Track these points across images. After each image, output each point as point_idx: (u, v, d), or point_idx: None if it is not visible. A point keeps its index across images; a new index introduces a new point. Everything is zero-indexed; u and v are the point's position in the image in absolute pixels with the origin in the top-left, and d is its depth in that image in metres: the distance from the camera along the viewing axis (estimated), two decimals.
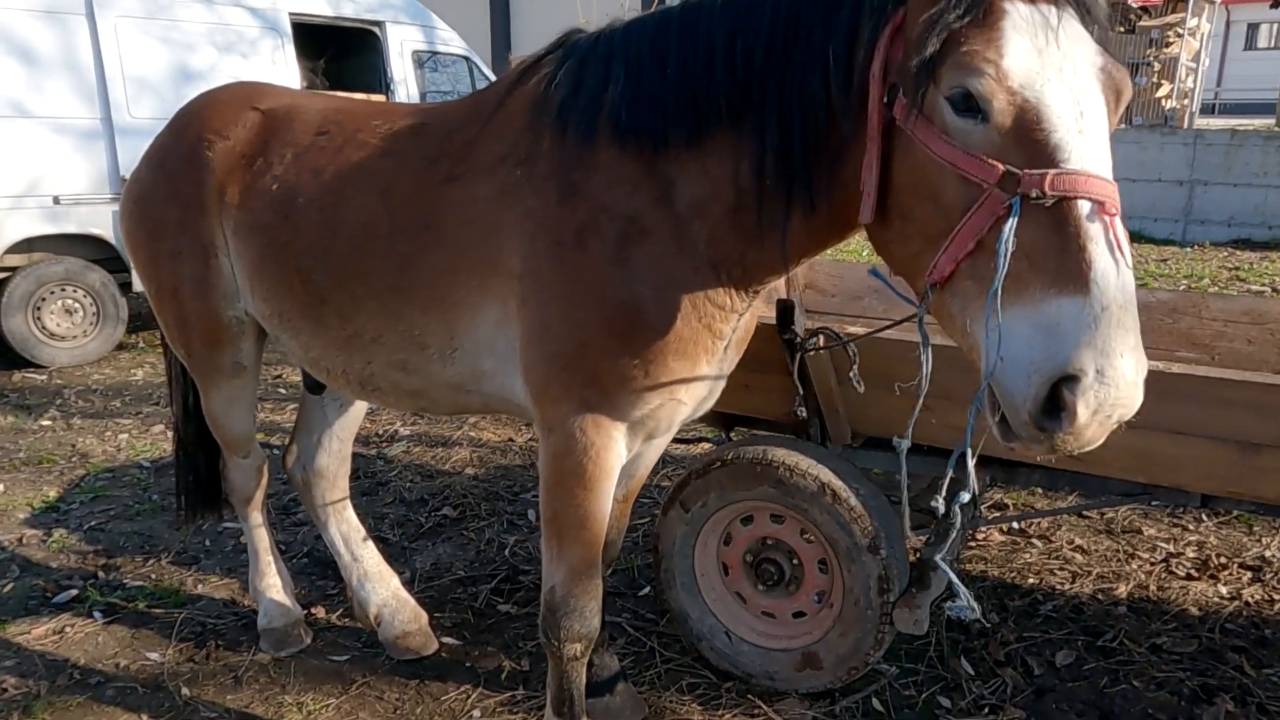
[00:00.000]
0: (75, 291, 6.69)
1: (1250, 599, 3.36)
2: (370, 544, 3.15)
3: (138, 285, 6.83)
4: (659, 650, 3.03)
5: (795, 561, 2.73)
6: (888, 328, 2.54)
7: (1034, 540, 3.80)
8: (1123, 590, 3.42)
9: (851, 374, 2.49)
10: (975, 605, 1.72)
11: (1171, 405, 2.34)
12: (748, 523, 2.78)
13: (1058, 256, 1.37)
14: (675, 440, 3.71)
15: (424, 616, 3.06)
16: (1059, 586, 3.45)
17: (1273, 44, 32.36)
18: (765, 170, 1.80)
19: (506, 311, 2.04)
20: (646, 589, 3.43)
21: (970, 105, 1.44)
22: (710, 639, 2.85)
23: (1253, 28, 32.41)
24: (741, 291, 1.97)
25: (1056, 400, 1.36)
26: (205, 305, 2.53)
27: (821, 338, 2.53)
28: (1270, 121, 18.54)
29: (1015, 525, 3.88)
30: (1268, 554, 3.68)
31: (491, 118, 2.09)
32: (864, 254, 9.15)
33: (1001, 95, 1.41)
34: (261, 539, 3.09)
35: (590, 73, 1.97)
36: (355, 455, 4.43)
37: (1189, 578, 3.51)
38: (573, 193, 1.93)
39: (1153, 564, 3.62)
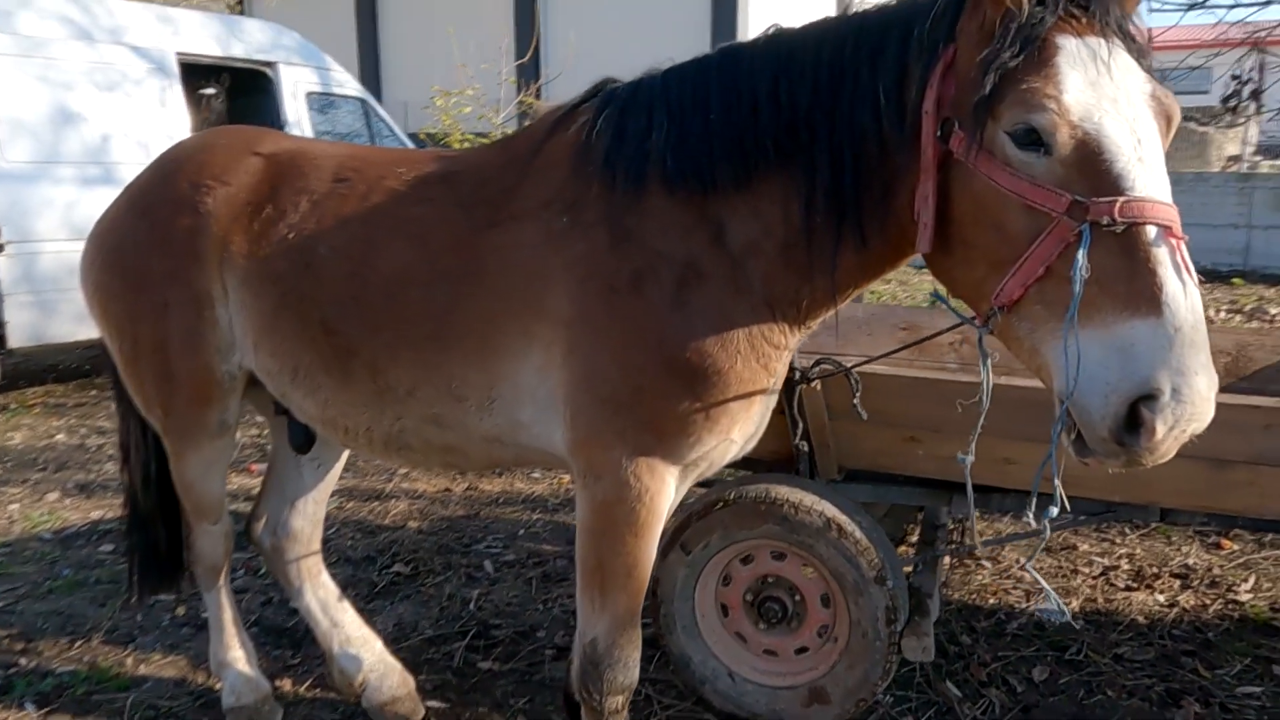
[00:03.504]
0: None
1: (1186, 605, 3.60)
2: (349, 606, 2.99)
3: (12, 342, 6.31)
4: (655, 698, 2.99)
5: (798, 598, 2.76)
6: (886, 355, 2.65)
7: (984, 563, 3.97)
8: (1075, 604, 3.60)
9: (855, 401, 2.56)
10: (1064, 607, 1.80)
11: None
12: (748, 562, 2.80)
13: (1129, 280, 1.45)
14: None
15: (411, 680, 2.92)
16: (1017, 605, 3.61)
17: None
18: (815, 206, 1.85)
19: (549, 358, 2.01)
20: None
21: (1033, 139, 1.52)
22: (713, 681, 2.84)
23: None
24: (795, 328, 2.01)
25: (1135, 418, 1.43)
26: (197, 360, 2.37)
27: (820, 368, 2.60)
28: None
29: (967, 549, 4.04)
30: (1190, 562, 3.97)
31: (530, 164, 2.07)
32: None
33: (1064, 129, 1.49)
34: (226, 610, 2.88)
35: (633, 120, 1.99)
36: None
37: (1129, 589, 3.74)
38: (625, 238, 1.93)
39: (1094, 578, 3.84)
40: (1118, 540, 4.19)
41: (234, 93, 8.17)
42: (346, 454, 3.02)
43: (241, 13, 22.87)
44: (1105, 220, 1.45)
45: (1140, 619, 3.49)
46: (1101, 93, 1.50)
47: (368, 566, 4.03)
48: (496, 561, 4.07)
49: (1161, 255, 1.44)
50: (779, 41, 1.90)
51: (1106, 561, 3.98)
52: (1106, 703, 2.97)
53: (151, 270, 2.38)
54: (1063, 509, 1.65)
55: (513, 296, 2.03)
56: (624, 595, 2.09)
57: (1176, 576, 3.85)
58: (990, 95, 1.52)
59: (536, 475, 5.13)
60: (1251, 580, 3.77)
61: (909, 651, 2.62)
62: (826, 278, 1.90)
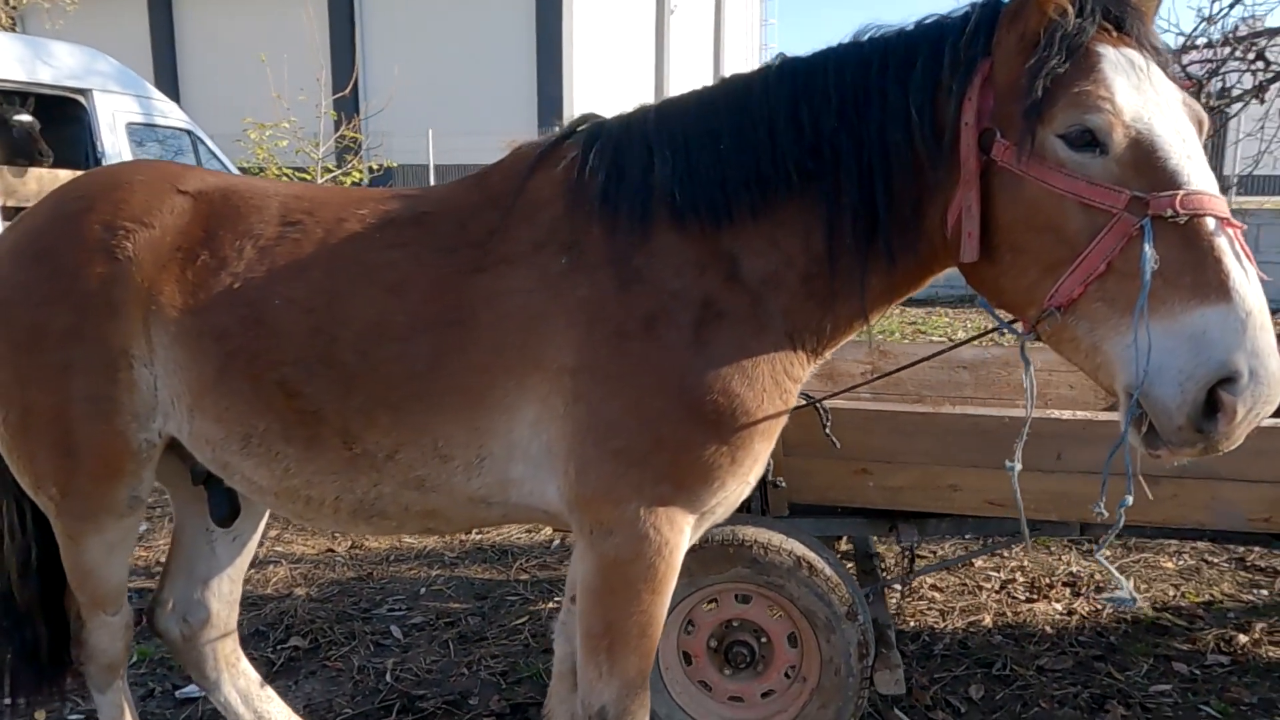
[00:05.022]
0: None
1: (1082, 611, 3.82)
2: (274, 695, 2.67)
3: None
4: None
5: (764, 640, 2.70)
6: (862, 385, 2.65)
7: (895, 586, 4.07)
8: (988, 620, 3.75)
9: (827, 431, 2.56)
10: (1135, 594, 1.83)
11: (1089, 449, 2.65)
12: (710, 606, 2.72)
13: (1194, 270, 1.49)
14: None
15: None
16: (937, 625, 3.72)
17: None
18: (841, 230, 1.82)
19: (545, 410, 1.87)
20: None
21: (1088, 140, 1.57)
22: None
23: None
24: (813, 359, 1.96)
25: (1212, 403, 1.48)
26: (107, 428, 2.05)
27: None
28: None
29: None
30: (1074, 569, 4.23)
31: (515, 204, 1.93)
32: None
33: (1119, 129, 1.55)
34: (126, 714, 2.50)
35: (630, 156, 1.90)
36: (140, 591, 3.77)
37: (1030, 600, 3.94)
38: (635, 279, 1.83)
39: (996, 592, 4.02)
40: (1006, 554, 4.41)
41: (41, 122, 7.34)
42: (264, 524, 2.71)
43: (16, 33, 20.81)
44: (1168, 213, 1.49)
45: (1048, 629, 3.67)
46: (1146, 96, 1.58)
47: (260, 642, 3.64)
48: (404, 625, 3.78)
49: (1223, 244, 1.50)
50: (792, 67, 1.87)
51: (1002, 575, 4.18)
52: (1042, 714, 3.09)
53: (49, 326, 2.04)
54: (1134, 497, 1.69)
55: (507, 346, 1.87)
56: (636, 657, 1.96)
57: (1067, 585, 4.09)
58: (1041, 100, 1.56)
59: None
60: (1130, 583, 4.06)
61: (882, 685, 2.62)
62: (852, 303, 1.87)
